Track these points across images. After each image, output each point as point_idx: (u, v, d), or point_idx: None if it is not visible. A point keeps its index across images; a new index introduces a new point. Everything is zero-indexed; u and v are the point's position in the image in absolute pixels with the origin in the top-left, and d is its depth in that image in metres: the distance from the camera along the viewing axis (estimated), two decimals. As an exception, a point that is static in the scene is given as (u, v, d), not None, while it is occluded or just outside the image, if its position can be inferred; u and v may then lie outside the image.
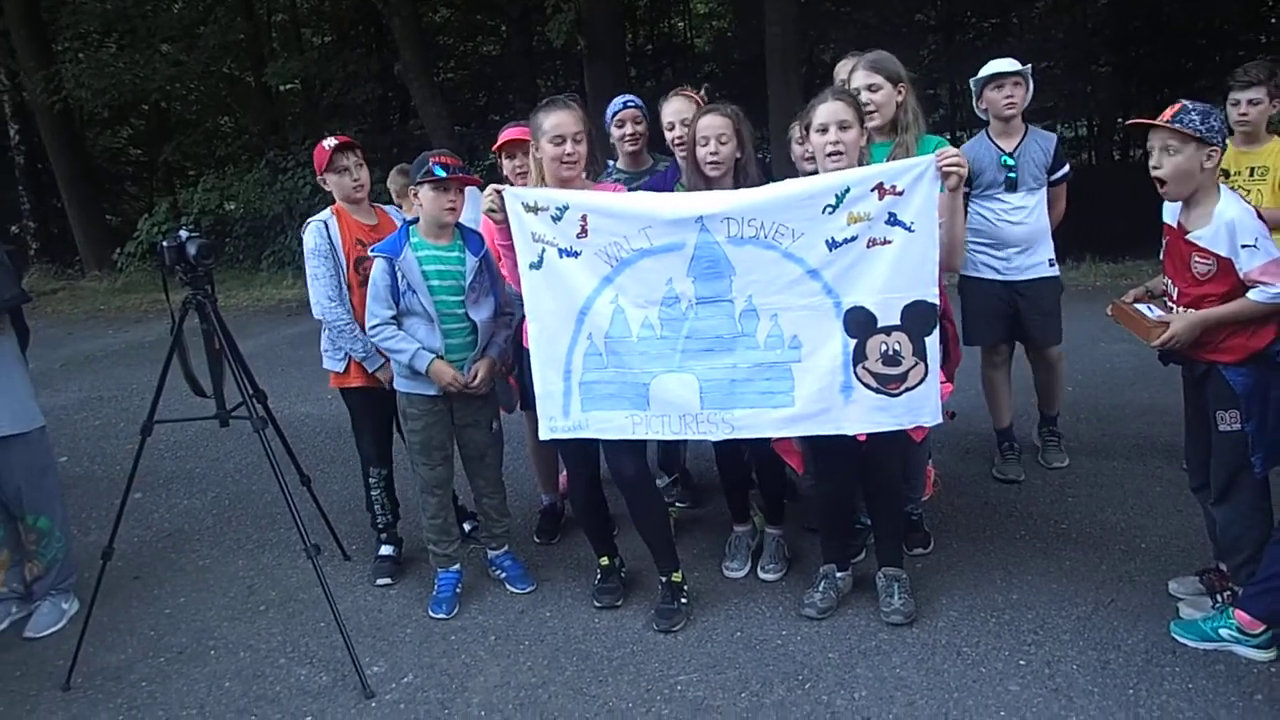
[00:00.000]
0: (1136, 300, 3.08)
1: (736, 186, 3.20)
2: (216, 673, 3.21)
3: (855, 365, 2.95)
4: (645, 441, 3.27)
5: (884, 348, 2.92)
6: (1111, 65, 15.50)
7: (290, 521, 3.28)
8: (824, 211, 2.88)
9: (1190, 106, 2.70)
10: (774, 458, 3.42)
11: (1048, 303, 4.10)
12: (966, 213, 3.75)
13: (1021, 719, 2.63)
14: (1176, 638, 2.91)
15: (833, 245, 2.89)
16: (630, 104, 3.88)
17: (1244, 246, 2.65)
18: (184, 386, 3.39)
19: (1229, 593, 2.96)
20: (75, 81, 13.76)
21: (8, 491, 3.49)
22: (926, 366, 2.92)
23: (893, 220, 2.84)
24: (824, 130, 3.01)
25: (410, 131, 16.00)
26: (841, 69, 3.62)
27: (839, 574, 3.32)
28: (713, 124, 3.25)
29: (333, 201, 3.74)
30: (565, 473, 3.88)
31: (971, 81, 4.08)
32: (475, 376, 3.36)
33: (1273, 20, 15.07)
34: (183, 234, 3.29)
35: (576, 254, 3.06)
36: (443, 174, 3.21)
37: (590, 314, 3.09)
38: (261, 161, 14.33)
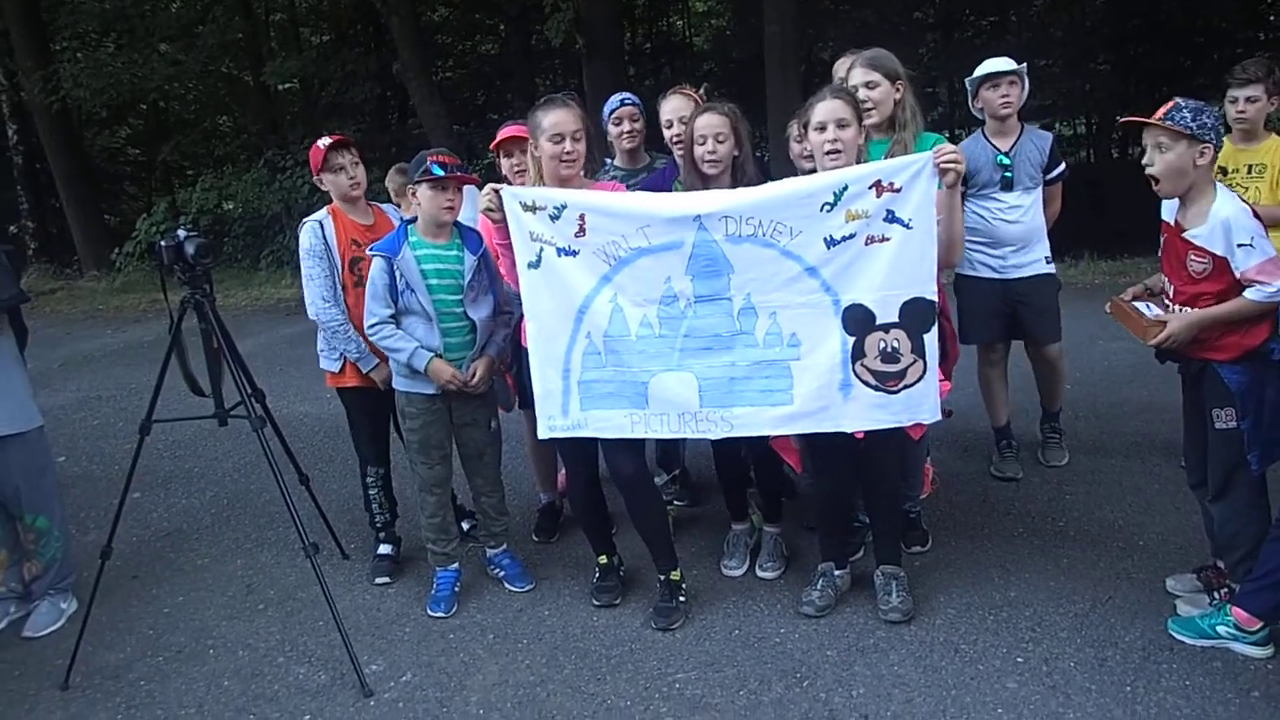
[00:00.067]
0: (1135, 298, 3.08)
1: (734, 185, 3.19)
2: (215, 671, 3.21)
3: (854, 363, 2.96)
4: (644, 440, 3.27)
5: (883, 345, 2.93)
6: (1110, 63, 15.49)
7: (289, 520, 3.28)
8: (822, 209, 2.88)
9: (1182, 104, 2.70)
10: (772, 456, 3.42)
11: (1046, 300, 4.10)
12: (963, 211, 3.75)
13: (1019, 716, 2.63)
14: (1174, 635, 2.91)
15: (831, 243, 2.90)
16: (628, 102, 3.88)
17: (1240, 245, 2.65)
18: (182, 386, 3.39)
19: (1226, 590, 2.96)
20: (73, 81, 13.75)
21: (6, 491, 3.48)
22: (925, 364, 2.93)
23: (891, 217, 2.85)
24: (822, 128, 3.01)
25: (409, 131, 15.99)
26: (840, 67, 3.62)
27: (837, 572, 3.32)
28: (710, 123, 3.25)
29: (330, 201, 3.74)
30: (564, 471, 3.88)
31: (967, 81, 4.08)
32: (474, 375, 3.36)
33: (1271, 18, 15.09)
34: (181, 233, 3.29)
35: (574, 253, 3.06)
36: (440, 173, 3.21)
37: (589, 313, 3.09)
38: (260, 161, 14.32)
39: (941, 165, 2.80)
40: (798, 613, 3.24)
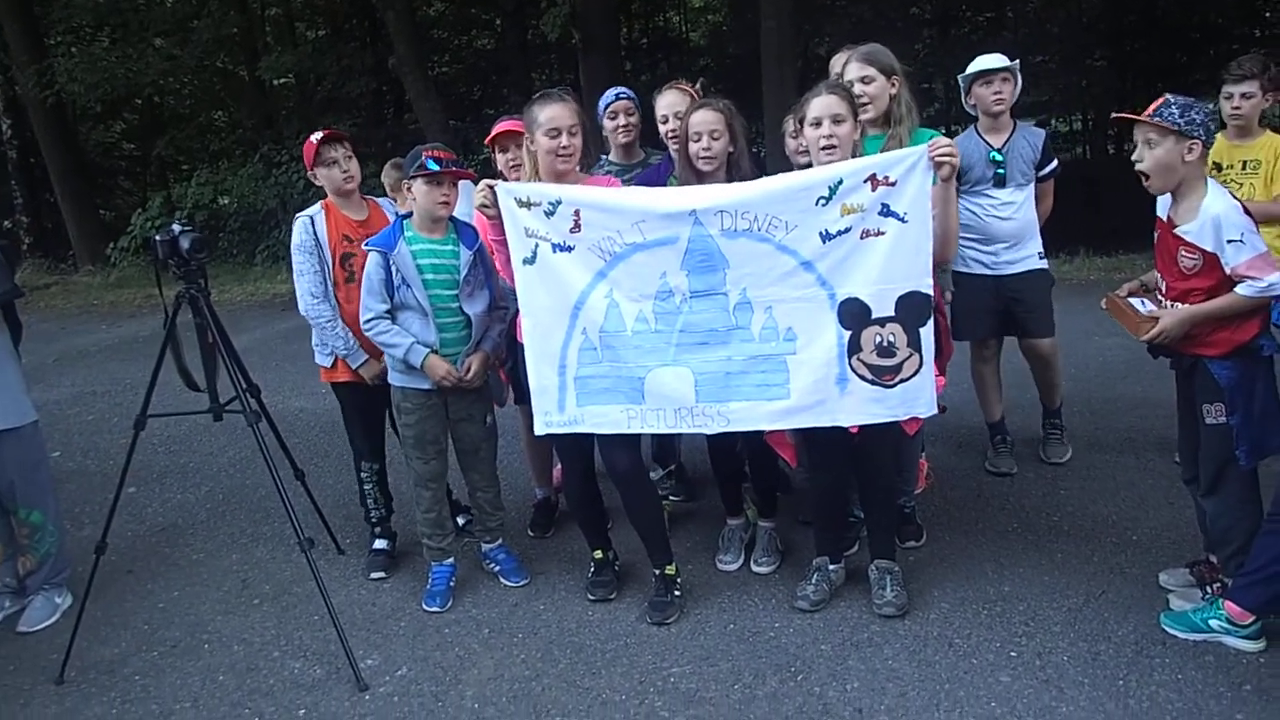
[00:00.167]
0: (1130, 294, 3.09)
1: (729, 181, 3.20)
2: (210, 666, 3.22)
3: (850, 357, 2.96)
4: (639, 435, 3.27)
5: (879, 339, 2.93)
6: (1106, 59, 15.51)
7: (284, 515, 3.28)
8: (817, 203, 2.88)
9: (1172, 100, 2.71)
10: (766, 450, 3.42)
11: (1039, 296, 4.10)
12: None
13: (1012, 709, 2.64)
14: (1166, 629, 2.92)
15: (826, 237, 2.90)
16: (623, 96, 3.88)
17: (1229, 241, 2.66)
18: (177, 381, 3.38)
19: (1219, 584, 2.97)
20: (68, 76, 13.71)
21: (0, 486, 3.48)
22: (921, 358, 2.93)
23: (886, 211, 2.85)
24: (818, 124, 3.01)
25: (405, 126, 15.95)
26: (836, 62, 3.62)
27: (832, 566, 3.33)
28: (705, 119, 3.25)
29: (325, 196, 3.73)
30: (559, 466, 3.89)
31: (960, 78, 4.08)
32: (468, 370, 3.36)
33: (1267, 14, 15.11)
34: (176, 228, 3.28)
35: (570, 249, 3.05)
36: (435, 167, 3.21)
37: (584, 309, 3.09)
38: (255, 156, 14.30)
39: (936, 159, 2.80)
40: (792, 607, 3.25)
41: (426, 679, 3.03)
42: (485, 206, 3.09)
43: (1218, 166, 3.90)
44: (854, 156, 3.01)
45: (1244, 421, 2.77)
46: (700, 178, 3.27)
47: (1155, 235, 2.95)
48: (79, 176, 16.35)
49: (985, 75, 3.94)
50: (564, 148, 3.15)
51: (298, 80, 16.68)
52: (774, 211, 2.91)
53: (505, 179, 3.46)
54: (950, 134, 3.72)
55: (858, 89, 3.25)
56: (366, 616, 3.47)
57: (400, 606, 3.52)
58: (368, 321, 3.33)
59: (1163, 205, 2.91)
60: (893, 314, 2.90)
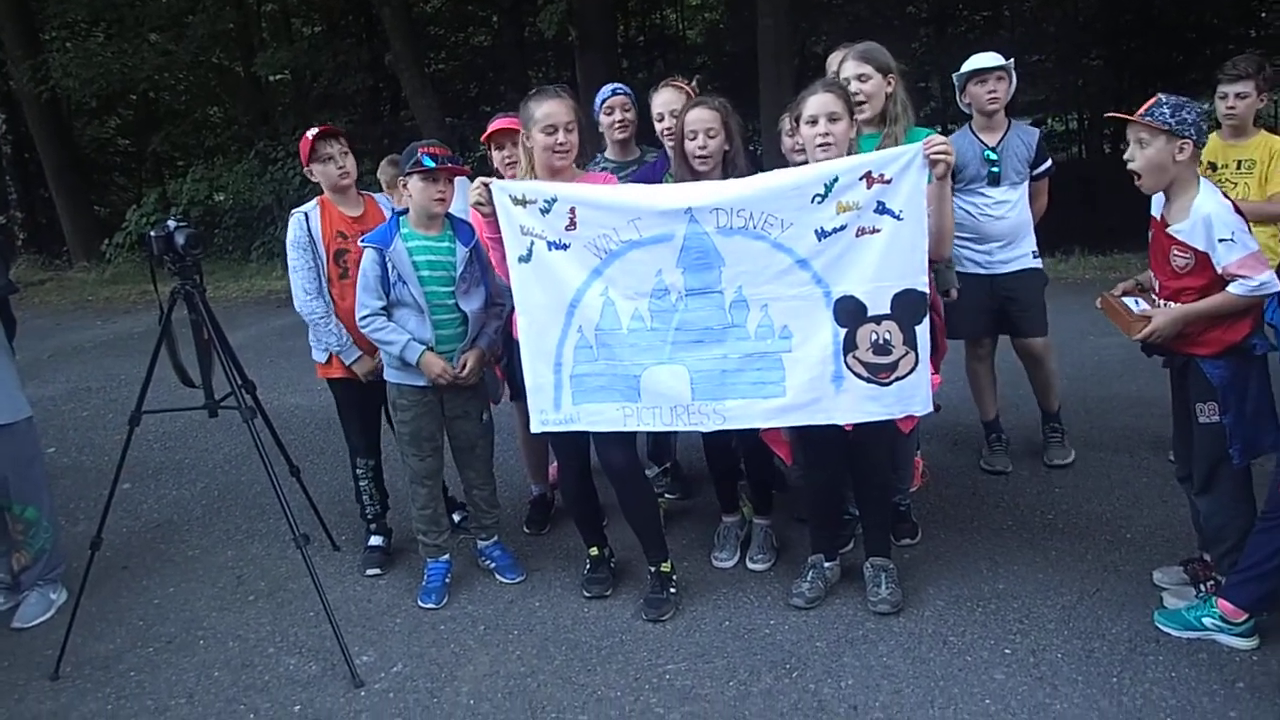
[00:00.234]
0: (1125, 293, 3.10)
1: (725, 179, 3.20)
2: (205, 662, 3.21)
3: (846, 355, 2.96)
4: (635, 432, 3.27)
5: (874, 337, 2.93)
6: (1103, 59, 15.53)
7: (279, 512, 3.28)
8: (813, 201, 2.88)
9: (1164, 100, 2.72)
10: (762, 448, 3.43)
11: (1032, 295, 4.10)
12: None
13: (1006, 706, 2.65)
14: (1160, 627, 2.93)
15: (822, 235, 2.90)
16: (619, 91, 3.89)
17: (1221, 241, 2.67)
18: (172, 377, 3.37)
19: (1212, 582, 2.98)
20: (63, 71, 13.65)
21: (-5, 481, 3.48)
22: (917, 355, 2.93)
23: (881, 209, 2.85)
24: (814, 122, 3.01)
25: (401, 122, 15.93)
26: (833, 60, 3.62)
27: (827, 564, 3.34)
28: (701, 118, 3.25)
29: (321, 192, 3.72)
30: (555, 463, 3.89)
31: (955, 76, 4.08)
32: (464, 367, 3.36)
33: (1263, 15, 15.15)
34: (171, 224, 3.28)
35: (565, 246, 3.05)
36: (431, 164, 3.20)
37: (580, 307, 3.09)
38: (251, 152, 14.27)
39: (932, 156, 2.80)
40: (787, 604, 3.25)
41: (422, 675, 3.03)
42: (481, 205, 3.09)
43: (1213, 166, 3.91)
44: (850, 154, 3.01)
45: (1237, 420, 2.78)
46: (696, 176, 3.27)
47: (1149, 235, 2.95)
48: (74, 172, 16.30)
49: (980, 74, 3.95)
50: (560, 144, 3.15)
51: (294, 76, 16.64)
52: (770, 209, 2.91)
53: (501, 176, 3.46)
54: (946, 133, 3.71)
55: (854, 87, 3.25)
56: (362, 613, 3.47)
57: (396, 603, 3.52)
58: (363, 318, 3.32)
59: (1157, 204, 2.92)
60: (888, 312, 2.90)
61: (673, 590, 3.32)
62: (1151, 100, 2.75)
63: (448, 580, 3.55)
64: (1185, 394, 2.92)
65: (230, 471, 5.12)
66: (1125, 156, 2.82)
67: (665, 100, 3.72)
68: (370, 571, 3.76)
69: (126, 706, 3.00)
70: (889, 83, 3.34)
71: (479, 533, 3.71)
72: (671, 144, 3.51)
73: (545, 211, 3.03)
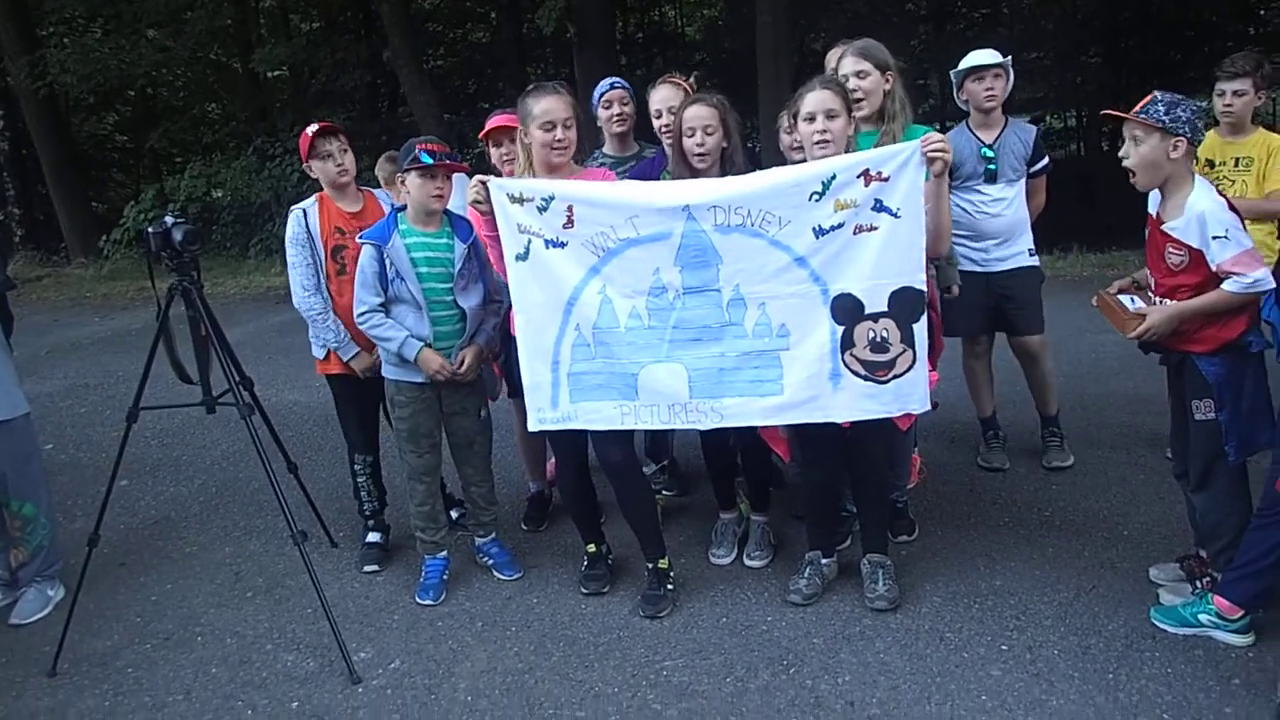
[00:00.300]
0: (1121, 291, 3.10)
1: (723, 176, 3.19)
2: (203, 659, 3.21)
3: (843, 352, 2.96)
4: (633, 429, 3.27)
5: (872, 335, 2.93)
6: (1101, 56, 15.56)
7: (277, 508, 3.28)
8: (811, 199, 2.88)
9: (1159, 97, 2.73)
10: (759, 445, 3.43)
11: (1029, 293, 4.10)
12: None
13: (1003, 703, 2.66)
14: (1156, 623, 2.94)
15: (820, 232, 2.90)
16: (618, 85, 3.89)
17: (1215, 238, 2.67)
18: (170, 373, 3.37)
19: (1208, 579, 2.99)
20: (60, 67, 13.63)
21: (-8, 478, 3.48)
22: (914, 353, 2.93)
23: (879, 206, 2.85)
24: (811, 119, 3.01)
25: (399, 119, 15.92)
26: (832, 57, 3.61)
27: (824, 560, 3.34)
28: (698, 114, 3.24)
29: (320, 188, 3.72)
30: (553, 460, 3.89)
31: (952, 73, 4.08)
32: (461, 364, 3.36)
33: (1261, 12, 15.16)
34: (168, 220, 3.27)
35: (563, 245, 3.05)
36: (429, 161, 3.20)
37: (577, 305, 3.09)
38: (249, 148, 14.26)
39: (929, 154, 2.80)
40: (785, 601, 3.26)
41: (420, 672, 3.04)
42: (478, 203, 3.09)
43: (1210, 164, 3.92)
44: (848, 152, 3.01)
45: (1232, 417, 2.79)
46: (694, 173, 3.26)
47: (1145, 232, 2.96)
48: (71, 168, 16.28)
49: (977, 71, 3.95)
50: (559, 141, 3.15)
51: (292, 73, 16.62)
52: (767, 207, 2.91)
53: (499, 173, 3.46)
54: (943, 131, 3.71)
55: (852, 84, 3.25)
56: (360, 609, 3.47)
57: (393, 600, 3.53)
58: (361, 314, 3.32)
59: (1153, 202, 2.93)
60: (886, 309, 2.90)
61: (670, 587, 3.33)
62: (1147, 98, 2.75)
63: (445, 577, 3.55)
64: (1181, 391, 2.92)
65: (228, 468, 5.12)
66: (1120, 154, 2.83)
67: (663, 97, 3.72)
68: (368, 568, 3.76)
69: (124, 703, 3.00)
70: (887, 80, 3.34)
71: (477, 529, 3.71)
72: (669, 141, 3.51)
73: (543, 209, 3.03)
